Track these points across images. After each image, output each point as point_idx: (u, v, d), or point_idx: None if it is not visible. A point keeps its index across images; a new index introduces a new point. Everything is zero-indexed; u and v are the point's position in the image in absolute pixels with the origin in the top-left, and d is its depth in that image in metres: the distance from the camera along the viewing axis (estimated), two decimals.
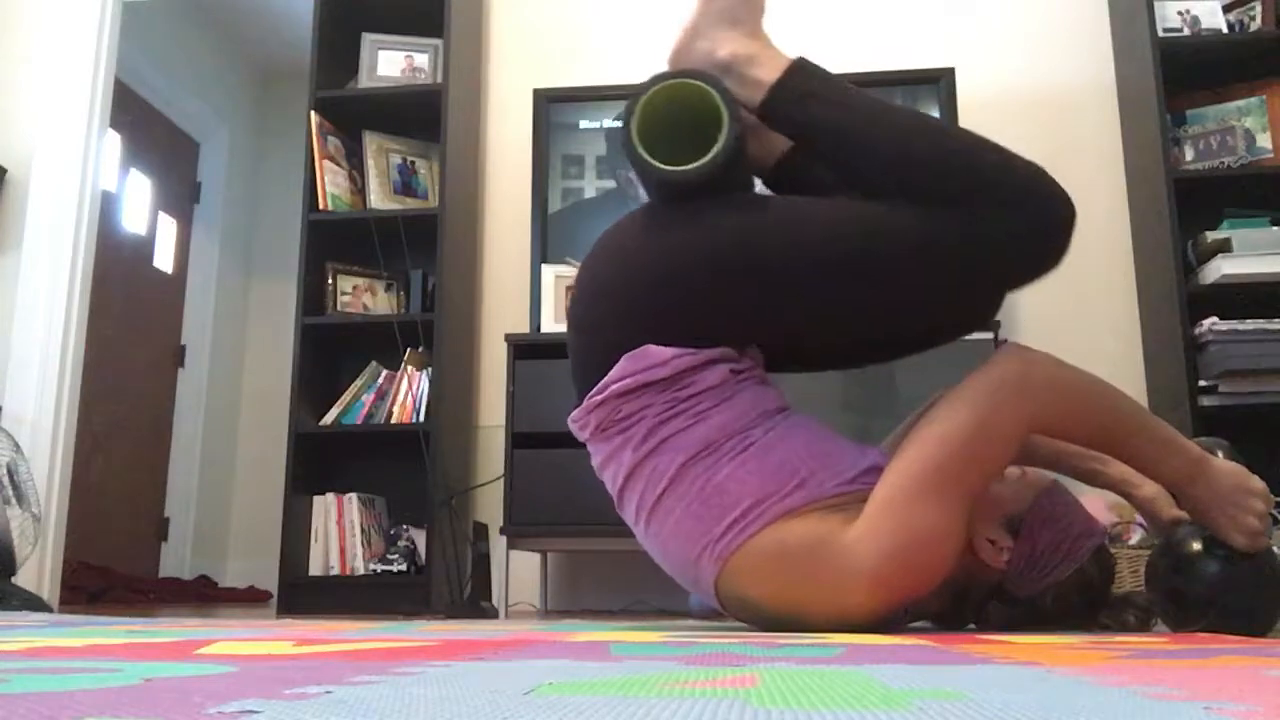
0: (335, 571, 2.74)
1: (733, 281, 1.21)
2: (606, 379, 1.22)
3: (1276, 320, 2.45)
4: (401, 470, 2.81)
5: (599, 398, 1.23)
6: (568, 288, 2.52)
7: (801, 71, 1.28)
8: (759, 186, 1.41)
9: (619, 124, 1.28)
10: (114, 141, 3.92)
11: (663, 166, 1.23)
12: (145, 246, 4.22)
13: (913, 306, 1.25)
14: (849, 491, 1.18)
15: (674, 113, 1.27)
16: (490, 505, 2.83)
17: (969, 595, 1.28)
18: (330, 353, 2.98)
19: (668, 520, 1.21)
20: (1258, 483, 1.21)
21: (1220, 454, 1.25)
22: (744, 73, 1.28)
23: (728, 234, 1.23)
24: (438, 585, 2.66)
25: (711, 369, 1.22)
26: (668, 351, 1.20)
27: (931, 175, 1.21)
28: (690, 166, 1.22)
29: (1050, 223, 1.21)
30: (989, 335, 2.49)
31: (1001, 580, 1.26)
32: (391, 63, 3.11)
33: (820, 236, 1.22)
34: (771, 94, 1.27)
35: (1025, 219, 1.20)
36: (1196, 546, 1.24)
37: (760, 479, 1.17)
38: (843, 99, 1.27)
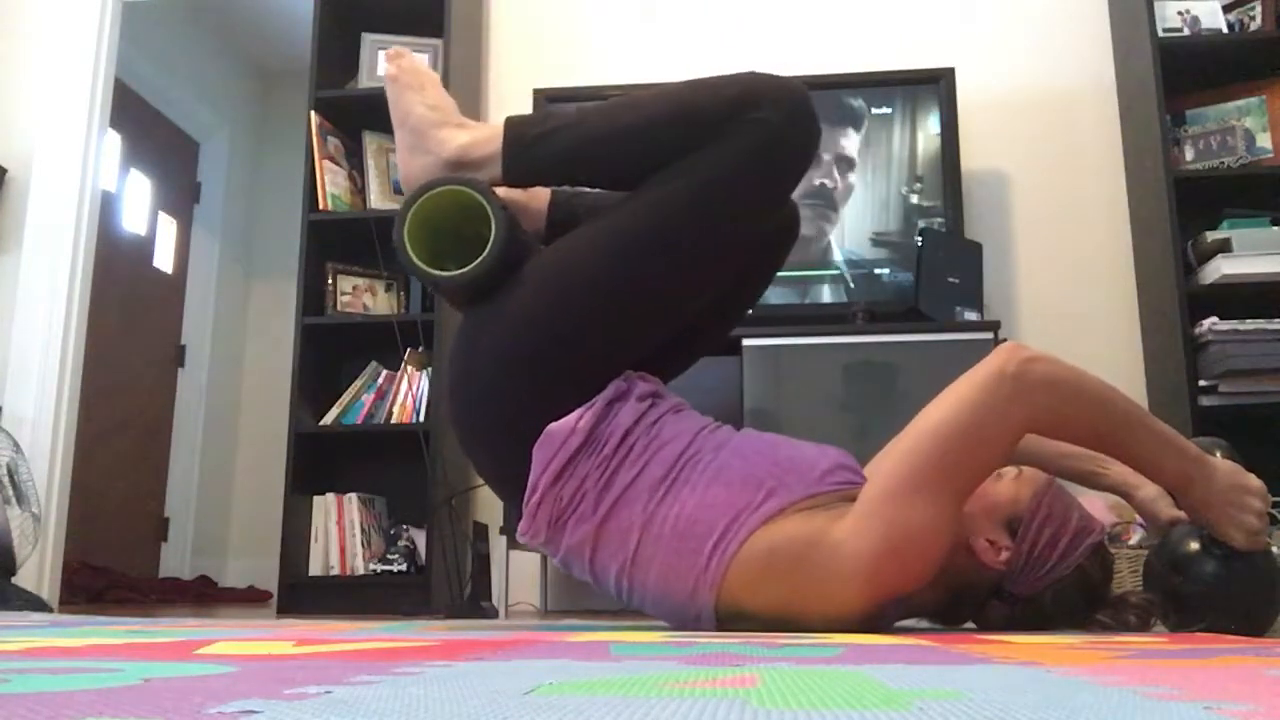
0: (335, 571, 2.74)
1: (564, 342, 1.24)
2: (532, 479, 1.23)
3: (1276, 320, 2.45)
4: (401, 470, 2.81)
5: (535, 498, 1.23)
6: None
7: (517, 126, 1.31)
8: None
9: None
10: (114, 141, 3.92)
11: (451, 273, 1.25)
12: (145, 246, 4.22)
13: (727, 241, 1.28)
14: (822, 492, 1.20)
15: (444, 221, 1.29)
16: (490, 505, 2.83)
17: (967, 594, 1.28)
18: (330, 353, 2.98)
19: (651, 569, 1.21)
20: (1255, 481, 1.21)
21: (1218, 453, 1.25)
22: (473, 157, 1.30)
23: (535, 307, 1.25)
24: (438, 585, 2.66)
25: (620, 409, 1.24)
26: (569, 419, 1.22)
27: (671, 126, 1.25)
28: (473, 265, 1.24)
29: (786, 99, 1.24)
30: (989, 335, 2.50)
31: (1000, 580, 1.26)
32: None
33: (612, 246, 1.25)
34: (506, 160, 1.29)
35: (766, 111, 1.23)
36: (1194, 546, 1.24)
37: (729, 495, 1.19)
38: (564, 122, 1.30)
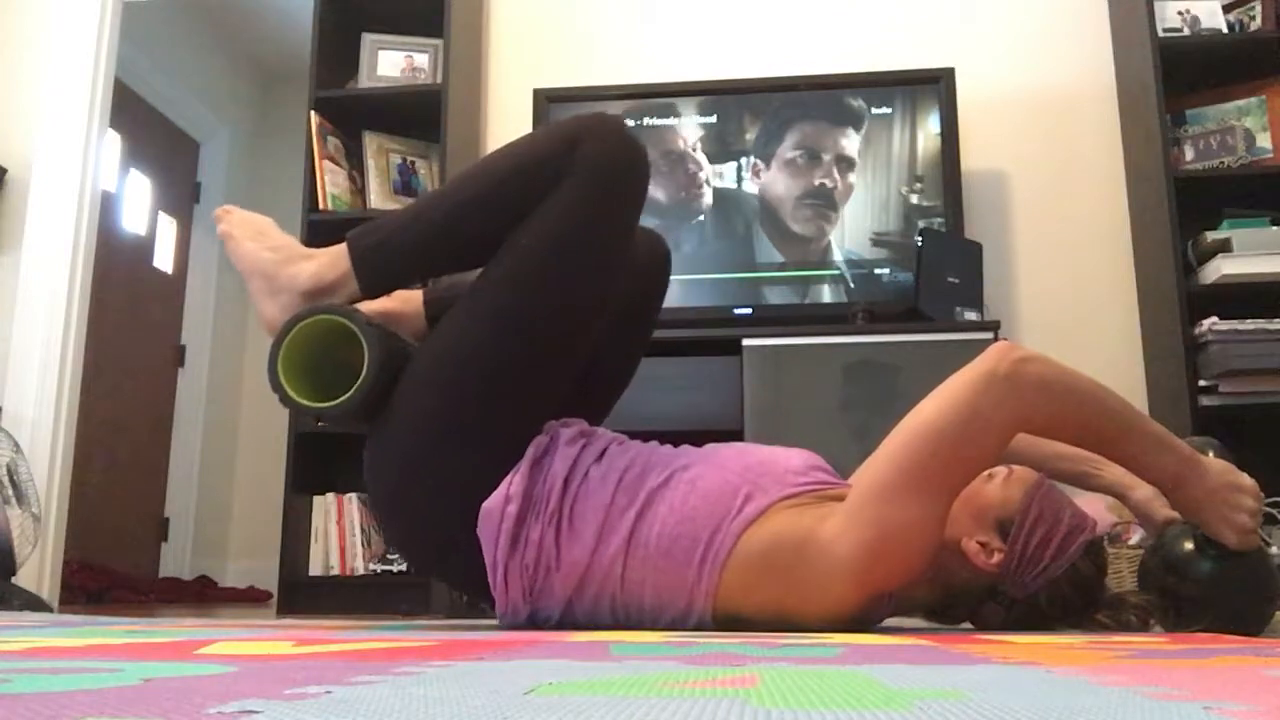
0: (335, 571, 2.73)
1: (469, 426, 1.24)
2: (488, 560, 1.22)
3: (1276, 320, 2.45)
4: None
5: (499, 575, 1.22)
6: None
7: (359, 238, 1.31)
8: None
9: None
10: (114, 141, 3.92)
11: (336, 402, 1.24)
12: (145, 246, 4.22)
13: (594, 280, 1.28)
14: (799, 491, 1.21)
15: (321, 353, 1.29)
16: None
17: (961, 593, 1.28)
18: None
19: (644, 591, 1.21)
20: (1247, 480, 1.21)
21: (1211, 453, 1.25)
22: (328, 281, 1.30)
23: (429, 404, 1.25)
24: (438, 585, 2.65)
25: (550, 463, 1.24)
26: (499, 491, 1.22)
27: (505, 190, 1.27)
28: (355, 387, 1.23)
29: (602, 130, 1.26)
30: (989, 335, 2.50)
31: (995, 582, 1.25)
32: (391, 63, 3.11)
33: (483, 319, 1.26)
34: (359, 275, 1.29)
35: (588, 146, 1.25)
36: (1189, 546, 1.24)
37: (708, 505, 1.19)
38: (403, 221, 1.31)
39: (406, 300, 1.41)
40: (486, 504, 1.22)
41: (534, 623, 1.26)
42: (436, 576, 1.36)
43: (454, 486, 1.24)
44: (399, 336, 1.33)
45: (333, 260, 1.30)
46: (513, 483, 1.22)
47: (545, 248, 1.25)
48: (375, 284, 1.31)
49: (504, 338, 1.25)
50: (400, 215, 1.32)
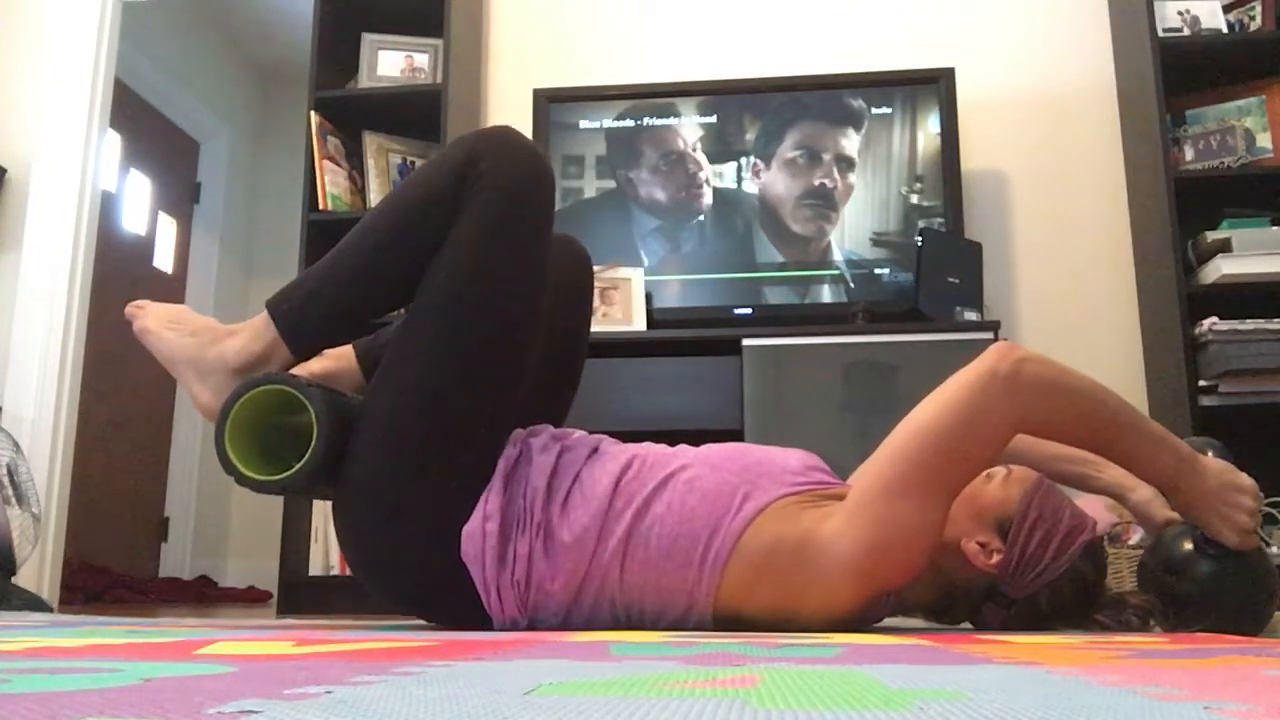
0: (335, 571, 2.73)
1: (429, 464, 1.22)
2: (478, 581, 1.21)
3: (1276, 320, 2.45)
4: None
5: (493, 595, 1.21)
6: None
7: (279, 303, 1.29)
8: None
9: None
10: (114, 141, 3.92)
11: (293, 470, 1.21)
12: (145, 246, 4.22)
13: (521, 293, 1.27)
14: (798, 491, 1.21)
15: (269, 425, 1.27)
16: None
17: (960, 593, 1.28)
18: None
19: (645, 593, 1.21)
20: (1246, 480, 1.21)
21: (1210, 453, 1.25)
22: (256, 352, 1.28)
23: (386, 449, 1.23)
24: None
25: (526, 474, 1.23)
26: (476, 512, 1.21)
27: (411, 227, 1.26)
28: (311, 449, 1.20)
29: (497, 140, 1.26)
30: (989, 335, 2.50)
31: (994, 582, 1.26)
32: (391, 63, 3.11)
33: (419, 357, 1.24)
34: (287, 340, 1.27)
35: (487, 161, 1.24)
36: (1188, 546, 1.24)
37: (707, 507, 1.19)
38: (319, 278, 1.29)
39: (339, 357, 1.40)
40: (466, 528, 1.20)
41: (545, 622, 1.26)
42: (436, 621, 1.34)
43: (430, 525, 1.22)
44: (341, 393, 1.30)
45: (256, 331, 1.28)
46: (488, 501, 1.21)
47: (463, 276, 1.23)
48: (304, 345, 1.30)
49: (444, 371, 1.23)
50: (316, 273, 1.30)
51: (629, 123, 2.97)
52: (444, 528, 1.21)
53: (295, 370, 1.29)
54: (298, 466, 1.21)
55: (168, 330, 1.32)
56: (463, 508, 1.21)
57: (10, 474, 2.41)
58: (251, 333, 1.28)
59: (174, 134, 4.40)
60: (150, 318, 1.34)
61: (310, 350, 1.32)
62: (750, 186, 2.90)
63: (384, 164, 3.06)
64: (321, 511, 2.78)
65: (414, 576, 1.25)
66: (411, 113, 3.02)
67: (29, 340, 2.84)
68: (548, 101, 2.96)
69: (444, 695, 0.47)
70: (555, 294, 1.38)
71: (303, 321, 1.28)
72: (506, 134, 1.28)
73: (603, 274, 2.71)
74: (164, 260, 4.34)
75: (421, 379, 1.23)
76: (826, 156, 2.87)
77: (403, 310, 1.30)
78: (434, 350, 1.24)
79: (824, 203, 2.85)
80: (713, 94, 2.96)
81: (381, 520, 1.23)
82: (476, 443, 1.24)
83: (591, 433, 1.35)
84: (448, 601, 1.26)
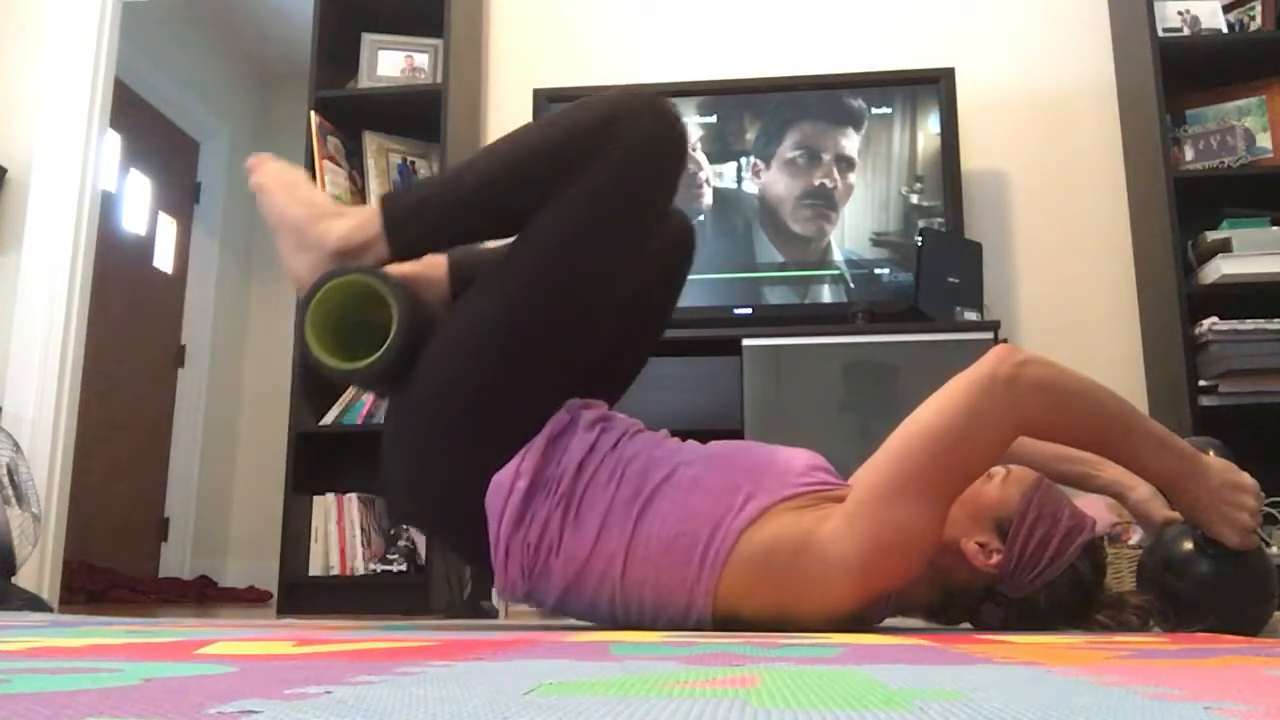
0: (335, 571, 2.74)
1: (490, 396, 1.23)
2: (491, 533, 1.22)
3: (1276, 320, 2.45)
4: None
5: (501, 550, 1.22)
6: None
7: (393, 200, 1.29)
8: None
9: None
10: (114, 141, 3.92)
11: (365, 363, 1.23)
12: (145, 246, 4.22)
13: (621, 258, 1.27)
14: (800, 493, 1.21)
15: (347, 314, 1.28)
16: None
17: (959, 593, 1.28)
18: None
19: (644, 590, 1.21)
20: (1247, 479, 1.21)
21: (1211, 452, 1.25)
22: (357, 243, 1.28)
23: (453, 370, 1.24)
24: (438, 585, 2.65)
25: (569, 443, 1.24)
26: (511, 464, 1.21)
27: (540, 162, 1.25)
28: (383, 349, 1.22)
29: (644, 107, 1.25)
30: (989, 335, 2.50)
31: (994, 582, 1.25)
32: (391, 63, 3.11)
33: (510, 290, 1.25)
34: (389, 238, 1.28)
35: (627, 123, 1.24)
36: (1188, 546, 1.24)
37: (710, 504, 1.19)
38: (437, 187, 1.30)
39: (430, 265, 1.39)
40: (497, 476, 1.22)
41: (538, 606, 1.27)
42: (438, 540, 1.35)
43: (472, 455, 1.23)
44: (425, 301, 1.32)
45: (364, 222, 1.28)
46: (525, 458, 1.22)
47: (574, 228, 1.23)
48: (405, 249, 1.30)
49: (531, 313, 1.24)
50: (435, 183, 1.31)
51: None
52: (481, 466, 1.22)
53: (387, 268, 1.29)
54: (369, 360, 1.22)
55: (280, 193, 1.32)
56: (501, 454, 1.22)
57: (10, 474, 2.41)
58: (359, 220, 1.29)
59: (174, 134, 4.40)
60: (269, 175, 1.34)
61: (408, 254, 1.31)
62: (750, 186, 2.90)
63: (384, 164, 3.06)
64: (322, 511, 2.78)
65: (438, 497, 1.27)
66: (411, 113, 3.02)
67: (29, 340, 2.84)
68: (548, 101, 2.96)
69: (444, 695, 0.47)
70: (652, 266, 1.37)
71: (408, 225, 1.28)
72: (651, 100, 1.27)
73: None
74: (164, 260, 4.34)
75: (509, 314, 1.24)
76: (826, 156, 2.87)
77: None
78: (528, 291, 1.24)
79: (824, 203, 2.85)
80: (712, 94, 2.96)
81: (432, 433, 1.25)
82: (541, 391, 1.26)
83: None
84: (459, 534, 1.28)
